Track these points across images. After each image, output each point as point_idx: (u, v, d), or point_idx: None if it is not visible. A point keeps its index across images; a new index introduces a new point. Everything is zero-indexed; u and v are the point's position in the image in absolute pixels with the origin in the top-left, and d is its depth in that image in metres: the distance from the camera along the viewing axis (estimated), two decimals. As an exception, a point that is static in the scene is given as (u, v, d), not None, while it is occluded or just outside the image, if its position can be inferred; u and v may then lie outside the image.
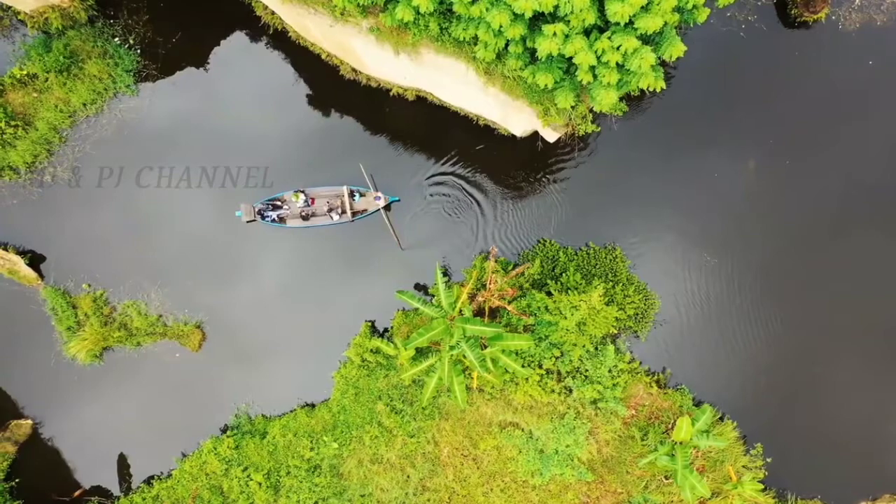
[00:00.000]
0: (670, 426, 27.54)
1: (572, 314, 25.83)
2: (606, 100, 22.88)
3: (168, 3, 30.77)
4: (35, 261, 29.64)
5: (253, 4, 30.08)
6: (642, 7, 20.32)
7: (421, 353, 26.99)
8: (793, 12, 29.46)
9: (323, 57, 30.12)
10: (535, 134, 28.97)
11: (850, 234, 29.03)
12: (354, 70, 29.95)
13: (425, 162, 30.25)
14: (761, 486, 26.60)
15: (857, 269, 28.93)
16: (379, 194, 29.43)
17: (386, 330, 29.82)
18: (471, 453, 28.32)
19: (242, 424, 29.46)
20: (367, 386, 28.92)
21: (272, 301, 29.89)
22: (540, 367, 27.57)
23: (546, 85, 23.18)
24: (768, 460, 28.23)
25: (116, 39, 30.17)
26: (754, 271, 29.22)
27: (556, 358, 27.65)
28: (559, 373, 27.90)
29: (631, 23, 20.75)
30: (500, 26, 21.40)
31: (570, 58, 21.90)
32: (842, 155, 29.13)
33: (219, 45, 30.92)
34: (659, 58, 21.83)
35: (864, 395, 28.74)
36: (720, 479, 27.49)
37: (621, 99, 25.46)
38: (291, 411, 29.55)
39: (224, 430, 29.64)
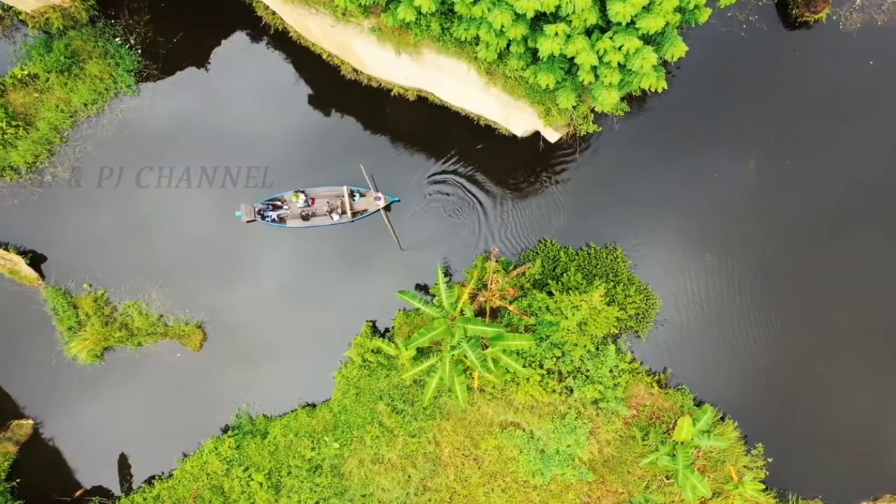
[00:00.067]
0: (671, 426, 27.57)
1: (573, 314, 25.84)
2: (608, 100, 22.89)
3: (169, 4, 30.75)
4: (36, 261, 29.64)
5: (254, 4, 30.06)
6: (644, 7, 20.35)
7: (422, 353, 27.00)
8: (794, 12, 29.48)
9: (324, 57, 30.10)
10: (537, 134, 28.96)
11: (850, 234, 29.07)
12: (355, 70, 29.93)
13: (426, 162, 30.24)
14: (762, 486, 26.61)
15: (857, 269, 28.97)
16: (379, 195, 29.42)
17: (387, 330, 29.83)
18: (472, 453, 28.33)
19: (243, 424, 29.47)
20: (369, 386, 28.93)
21: (273, 301, 29.89)
22: (541, 367, 27.57)
23: (548, 85, 23.19)
24: (769, 460, 28.27)
25: (117, 39, 30.16)
26: (754, 271, 29.26)
27: (558, 358, 27.66)
28: (560, 373, 27.91)
29: (632, 23, 20.78)
30: (502, 26, 21.42)
31: (572, 58, 21.94)
32: (842, 155, 29.17)
33: (219, 45, 30.90)
34: (660, 58, 21.86)
35: (865, 395, 28.79)
36: (721, 479, 27.54)
37: (623, 99, 25.50)
38: (292, 411, 29.57)
39: (225, 430, 29.66)
